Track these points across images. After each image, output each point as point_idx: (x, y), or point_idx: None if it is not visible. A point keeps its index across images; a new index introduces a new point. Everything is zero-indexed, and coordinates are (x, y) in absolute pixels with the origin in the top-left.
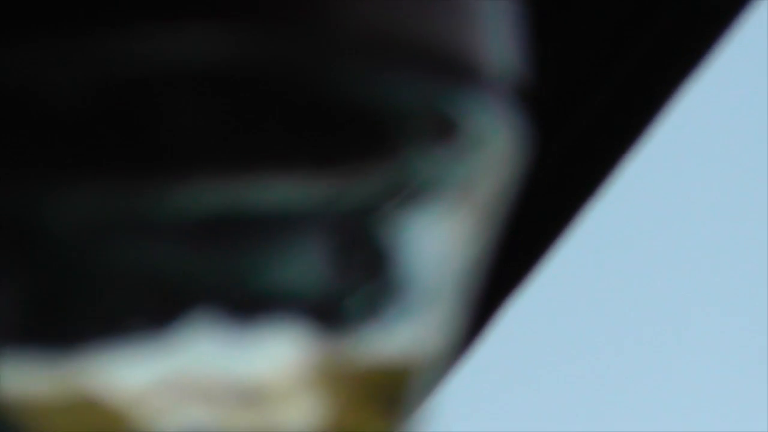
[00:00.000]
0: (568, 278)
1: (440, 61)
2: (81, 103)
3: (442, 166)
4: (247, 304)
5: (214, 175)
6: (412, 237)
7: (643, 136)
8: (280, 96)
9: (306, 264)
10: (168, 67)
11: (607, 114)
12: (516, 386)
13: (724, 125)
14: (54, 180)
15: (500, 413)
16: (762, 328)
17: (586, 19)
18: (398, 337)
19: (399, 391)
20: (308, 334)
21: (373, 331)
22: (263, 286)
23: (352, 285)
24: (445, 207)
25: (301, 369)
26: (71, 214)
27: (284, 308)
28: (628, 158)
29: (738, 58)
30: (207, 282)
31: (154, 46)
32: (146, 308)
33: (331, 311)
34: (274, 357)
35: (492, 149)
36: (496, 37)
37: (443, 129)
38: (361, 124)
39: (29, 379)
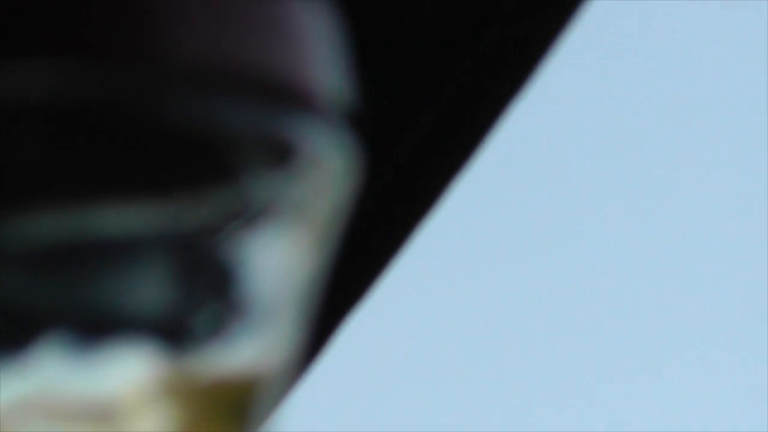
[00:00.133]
0: (403, 293)
1: (272, 89)
2: None
3: (279, 187)
4: (95, 326)
5: (54, 204)
6: (253, 256)
7: (470, 156)
8: (115, 126)
9: (151, 285)
10: (3, 102)
11: (432, 136)
12: (359, 397)
13: (547, 143)
14: None
15: (342, 424)
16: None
17: (410, 48)
18: (243, 353)
19: (245, 404)
20: (156, 352)
21: (219, 348)
22: (110, 309)
23: (196, 304)
24: (284, 227)
25: (150, 385)
26: None
27: (132, 328)
28: (457, 177)
29: (561, 76)
30: (56, 307)
31: None
32: (1, 333)
33: (177, 330)
34: (123, 375)
35: (325, 170)
36: (326, 65)
37: (278, 153)
38: (198, 149)
39: None
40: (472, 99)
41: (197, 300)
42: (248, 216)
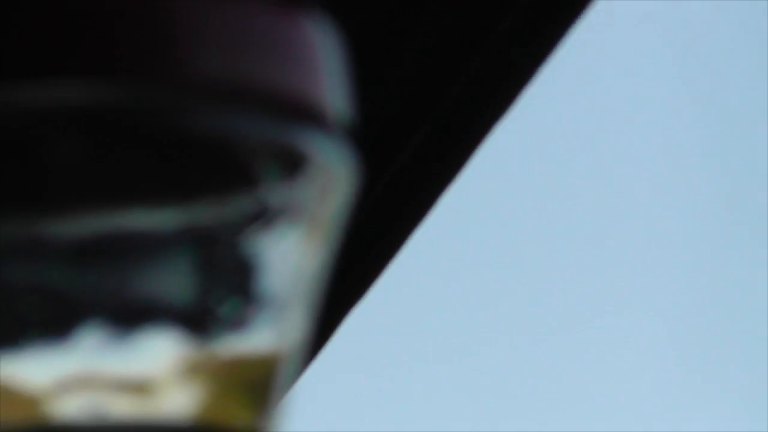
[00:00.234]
0: (398, 287)
1: (285, 104)
2: None
3: (291, 192)
4: (131, 313)
5: (96, 204)
6: (268, 253)
7: (458, 168)
8: (149, 136)
9: (180, 278)
10: (43, 114)
11: (423, 149)
12: (364, 381)
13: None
14: None
15: (346, 405)
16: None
17: (403, 76)
18: (261, 338)
19: (263, 384)
20: (183, 337)
21: (239, 333)
22: (144, 298)
23: (219, 295)
24: (295, 226)
25: (178, 366)
26: None
27: (162, 315)
28: (447, 185)
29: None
30: (97, 295)
31: (33, 97)
32: (48, 318)
33: (202, 317)
34: (155, 356)
35: (331, 177)
36: (333, 84)
37: (290, 161)
38: (219, 158)
39: None
40: (462, 120)
41: (220, 291)
42: (264, 217)
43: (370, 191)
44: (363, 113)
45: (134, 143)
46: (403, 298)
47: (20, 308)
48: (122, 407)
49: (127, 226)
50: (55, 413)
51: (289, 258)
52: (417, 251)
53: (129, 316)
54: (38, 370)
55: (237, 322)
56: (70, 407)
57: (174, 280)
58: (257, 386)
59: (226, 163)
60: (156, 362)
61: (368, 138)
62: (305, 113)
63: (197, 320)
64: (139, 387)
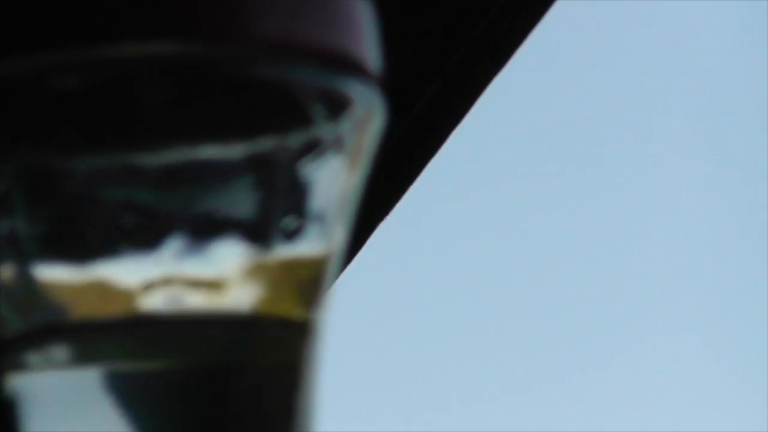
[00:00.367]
0: (417, 207)
1: (333, 58)
2: (86, 93)
3: (337, 128)
4: (205, 225)
5: (179, 137)
6: (319, 177)
7: (465, 112)
8: (223, 83)
9: (246, 198)
10: (140, 66)
11: (436, 96)
12: (392, 286)
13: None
14: (70, 145)
15: (376, 303)
16: None
17: (423, 34)
18: (311, 246)
19: (313, 284)
20: (248, 246)
21: (294, 242)
22: (216, 214)
23: (278, 212)
24: (340, 156)
25: (243, 269)
26: (82, 169)
27: (231, 229)
28: (454, 127)
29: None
30: (178, 212)
31: (129, 53)
32: (139, 230)
33: (264, 229)
34: (224, 261)
35: (368, 116)
36: (369, 42)
37: (337, 103)
38: (281, 101)
39: (60, 275)
40: (465, 75)
41: (279, 208)
42: (315, 148)
43: (394, 129)
44: (389, 66)
45: (211, 89)
46: (423, 217)
47: (117, 222)
48: (197, 302)
49: (204, 156)
50: (144, 306)
51: (334, 181)
52: (434, 178)
53: (204, 229)
54: (131, 272)
55: (292, 233)
56: (156, 302)
57: (241, 200)
58: (307, 285)
59: (285, 105)
60: (225, 266)
61: (394, 87)
62: (348, 65)
63: (259, 232)
64: (212, 285)
